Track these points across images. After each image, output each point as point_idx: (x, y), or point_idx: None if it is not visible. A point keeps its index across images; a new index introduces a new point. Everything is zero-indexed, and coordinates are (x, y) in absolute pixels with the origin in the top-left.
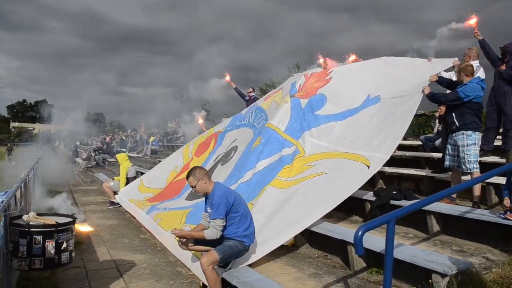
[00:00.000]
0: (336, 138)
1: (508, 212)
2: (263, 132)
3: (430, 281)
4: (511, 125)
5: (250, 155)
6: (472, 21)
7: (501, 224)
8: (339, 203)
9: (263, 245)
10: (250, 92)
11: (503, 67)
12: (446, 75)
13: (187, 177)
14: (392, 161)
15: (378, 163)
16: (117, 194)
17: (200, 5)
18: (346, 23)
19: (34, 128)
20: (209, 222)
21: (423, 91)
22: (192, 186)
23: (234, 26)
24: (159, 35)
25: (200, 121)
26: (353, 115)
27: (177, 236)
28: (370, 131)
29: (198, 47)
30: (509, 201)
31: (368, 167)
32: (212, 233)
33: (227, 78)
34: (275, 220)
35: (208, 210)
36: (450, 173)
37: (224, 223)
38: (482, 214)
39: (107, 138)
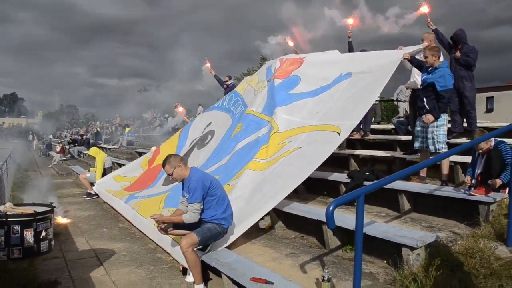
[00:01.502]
0: (308, 113)
1: (472, 189)
2: (244, 118)
3: (400, 254)
4: (471, 107)
5: (231, 141)
6: (424, 9)
7: (467, 200)
8: (311, 172)
9: (241, 225)
10: (227, 80)
11: (458, 54)
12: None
13: (163, 165)
14: (366, 144)
15: (348, 129)
16: (93, 185)
17: None
18: (317, 12)
19: (3, 123)
20: (187, 206)
21: (403, 57)
22: (169, 174)
23: (208, 15)
24: (133, 25)
25: (181, 109)
26: (326, 91)
27: (156, 221)
28: (342, 103)
29: (173, 37)
30: (469, 179)
31: (339, 133)
32: (190, 217)
33: (208, 65)
34: (254, 201)
35: (185, 195)
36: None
37: (202, 207)
38: (449, 191)
39: (81, 131)
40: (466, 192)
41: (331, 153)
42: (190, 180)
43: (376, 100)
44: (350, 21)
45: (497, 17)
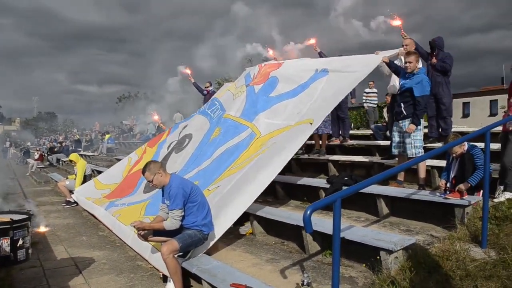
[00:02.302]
0: (289, 115)
1: (448, 192)
2: (222, 123)
3: (378, 257)
4: (447, 113)
5: (209, 146)
6: (396, 22)
7: (443, 203)
8: (287, 161)
9: (219, 225)
10: (208, 87)
11: (434, 60)
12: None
13: (143, 172)
14: (345, 150)
15: (320, 119)
16: (73, 193)
17: (154, 2)
18: (299, 18)
19: None
20: (168, 213)
21: (381, 60)
22: (149, 181)
23: (189, 22)
24: (113, 32)
25: (156, 117)
26: (304, 90)
27: (136, 228)
28: (319, 104)
29: (153, 44)
30: (444, 183)
31: (311, 124)
32: (171, 223)
33: (188, 71)
34: (231, 198)
35: (166, 202)
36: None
37: (183, 213)
38: (426, 195)
39: (60, 138)
40: (442, 195)
41: (304, 142)
42: (170, 186)
43: (374, 103)
44: (312, 41)
45: (470, 25)
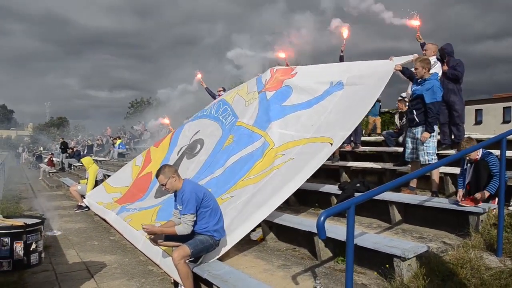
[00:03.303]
0: (302, 126)
1: (463, 199)
2: (235, 130)
3: (391, 264)
4: (460, 120)
5: (223, 154)
6: (415, 22)
7: (457, 210)
8: (305, 180)
9: (232, 236)
10: (220, 91)
11: (445, 68)
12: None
13: (157, 175)
14: (357, 156)
15: (340, 140)
16: (84, 197)
17: (166, 7)
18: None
19: None
20: (180, 218)
21: (394, 68)
22: (162, 184)
23: (200, 28)
24: (124, 38)
25: (166, 121)
26: (319, 102)
27: (148, 233)
28: (335, 115)
29: (164, 49)
30: (461, 192)
31: (331, 144)
32: (183, 228)
33: (199, 76)
34: (245, 211)
35: (178, 207)
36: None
37: (195, 218)
38: (439, 202)
39: (72, 143)
40: (456, 203)
41: (323, 162)
42: (183, 191)
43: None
44: (345, 33)
45: (482, 33)
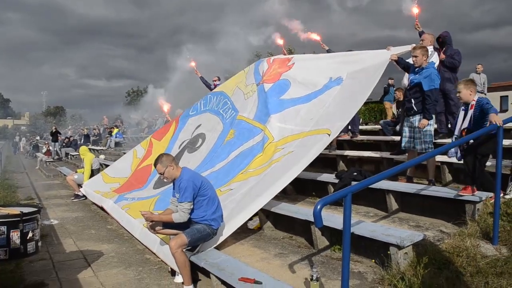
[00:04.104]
0: (302, 120)
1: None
2: (236, 125)
3: (388, 253)
4: (456, 108)
5: (224, 148)
6: (414, 10)
7: (452, 199)
8: (302, 169)
9: (229, 225)
10: (216, 80)
11: (443, 56)
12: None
13: (155, 164)
14: (354, 145)
15: (337, 130)
16: (81, 187)
17: None
18: (308, 13)
19: None
20: (177, 206)
21: (390, 58)
22: (160, 173)
23: (197, 17)
24: (122, 27)
25: (166, 108)
26: (318, 96)
27: (145, 218)
28: (333, 108)
29: (162, 39)
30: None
31: (329, 134)
32: (180, 216)
33: (193, 64)
34: (243, 202)
35: (176, 195)
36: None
37: (192, 206)
38: (436, 190)
39: (69, 132)
40: (455, 192)
41: (320, 152)
42: (181, 179)
43: None
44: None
45: (479, 21)
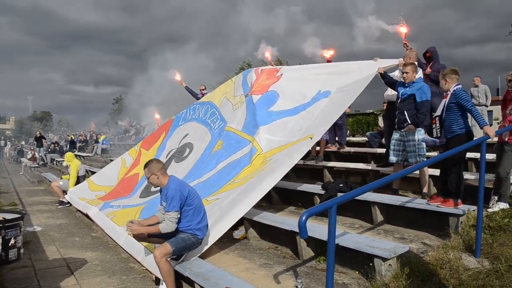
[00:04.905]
0: (290, 132)
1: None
2: (224, 136)
3: (372, 264)
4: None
5: (212, 159)
6: (403, 29)
7: (437, 212)
8: (285, 172)
9: (214, 232)
10: (203, 89)
11: (428, 70)
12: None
13: (144, 167)
14: (341, 157)
15: (320, 134)
16: (66, 193)
17: (154, 4)
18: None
19: None
20: (164, 214)
21: (377, 71)
22: (146, 177)
23: (188, 26)
24: (111, 34)
25: (157, 116)
26: (306, 109)
27: (132, 232)
28: (320, 120)
29: (152, 46)
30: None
31: (311, 138)
32: (167, 225)
33: (177, 77)
34: (226, 209)
35: (163, 203)
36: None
37: (179, 216)
38: (420, 203)
39: (55, 138)
40: (433, 205)
41: (303, 154)
42: (168, 188)
43: None
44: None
45: (465, 37)
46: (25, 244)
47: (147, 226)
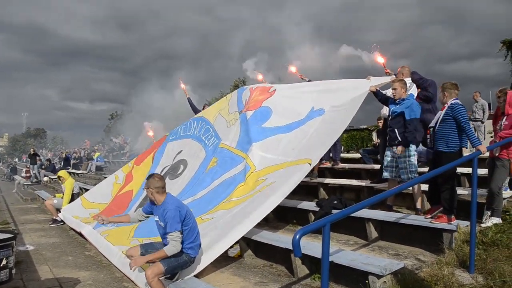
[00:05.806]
0: (283, 150)
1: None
2: (218, 153)
3: (367, 281)
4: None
5: (206, 176)
6: (380, 60)
7: (431, 228)
8: (282, 198)
9: (210, 253)
10: (205, 107)
11: (418, 89)
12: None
13: (147, 178)
14: (335, 173)
15: (317, 159)
16: (60, 211)
17: (149, 22)
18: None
19: None
20: (142, 215)
21: (369, 89)
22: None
23: (182, 43)
24: (106, 50)
25: (150, 133)
26: (300, 127)
27: (137, 264)
28: (314, 140)
29: (146, 63)
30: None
31: (310, 164)
32: (173, 247)
33: (182, 86)
34: (224, 230)
35: (156, 218)
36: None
37: (181, 235)
38: (414, 219)
39: (49, 155)
40: (427, 219)
41: (301, 180)
42: (167, 207)
43: None
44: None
45: (456, 53)
46: (17, 264)
47: (151, 254)
